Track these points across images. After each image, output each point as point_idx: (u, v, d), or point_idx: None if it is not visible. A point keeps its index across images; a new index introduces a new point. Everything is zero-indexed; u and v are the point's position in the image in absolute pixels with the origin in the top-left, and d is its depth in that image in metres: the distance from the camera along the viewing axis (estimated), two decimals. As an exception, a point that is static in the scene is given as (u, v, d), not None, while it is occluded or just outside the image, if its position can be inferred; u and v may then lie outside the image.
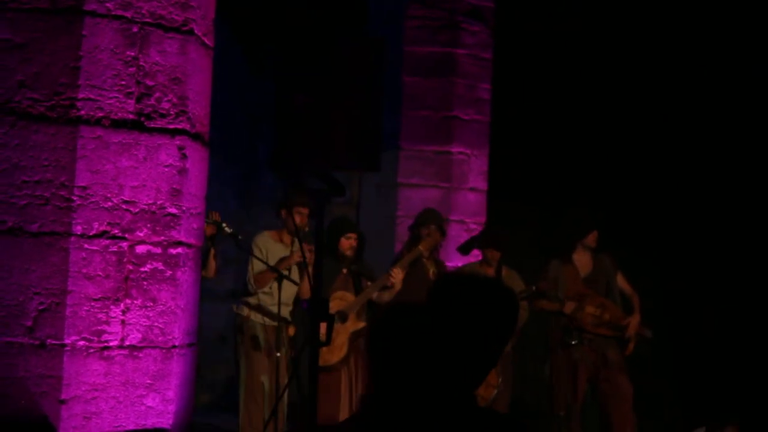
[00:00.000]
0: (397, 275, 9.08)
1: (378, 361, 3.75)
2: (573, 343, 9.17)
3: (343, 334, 8.94)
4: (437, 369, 3.72)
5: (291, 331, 9.02)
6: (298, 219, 8.95)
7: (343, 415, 8.68)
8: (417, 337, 3.68)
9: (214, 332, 10.59)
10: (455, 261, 10.51)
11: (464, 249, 9.78)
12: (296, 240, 9.00)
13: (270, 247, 8.94)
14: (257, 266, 8.92)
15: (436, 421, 3.65)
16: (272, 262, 8.84)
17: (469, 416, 3.72)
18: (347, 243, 9.13)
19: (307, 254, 8.24)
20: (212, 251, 8.91)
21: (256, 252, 8.92)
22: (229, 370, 10.36)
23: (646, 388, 9.72)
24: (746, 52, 11.49)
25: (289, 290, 8.94)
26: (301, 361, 8.44)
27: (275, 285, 8.80)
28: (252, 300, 9.00)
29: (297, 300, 9.16)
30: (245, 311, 9.02)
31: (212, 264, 8.95)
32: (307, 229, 8.95)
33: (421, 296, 9.04)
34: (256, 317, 8.98)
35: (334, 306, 8.92)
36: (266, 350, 8.94)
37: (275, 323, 8.96)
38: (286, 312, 8.99)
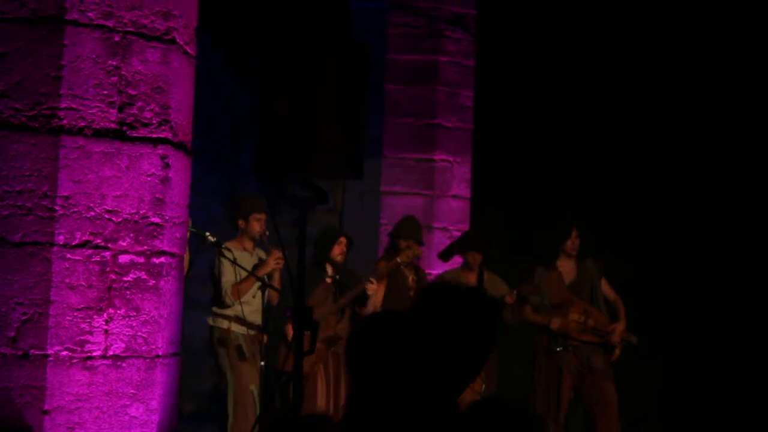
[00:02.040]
0: (372, 287, 9.08)
1: (357, 369, 3.76)
2: (558, 349, 9.18)
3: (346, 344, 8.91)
4: (416, 377, 3.73)
5: (265, 339, 9.02)
6: (257, 226, 8.97)
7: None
8: (395, 345, 3.69)
9: (198, 341, 10.56)
10: (438, 268, 10.52)
11: (445, 255, 9.81)
12: (257, 248, 9.04)
13: (237, 257, 8.92)
14: (229, 276, 8.90)
15: (416, 429, 3.65)
16: (242, 272, 8.82)
17: (450, 422, 3.72)
18: (338, 249, 9.15)
19: (280, 260, 8.31)
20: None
21: (226, 264, 8.88)
22: (213, 379, 10.35)
23: (632, 395, 9.73)
24: (725, 58, 11.55)
25: (257, 296, 8.92)
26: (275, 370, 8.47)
27: (259, 294, 8.79)
28: (229, 311, 8.97)
29: (267, 307, 9.15)
30: (225, 324, 8.98)
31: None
32: (266, 233, 8.95)
33: (401, 304, 9.13)
34: (238, 328, 8.96)
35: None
36: (250, 359, 8.93)
37: (255, 332, 8.96)
38: (256, 318, 8.97)
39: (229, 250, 8.76)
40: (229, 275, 8.91)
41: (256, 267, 8.90)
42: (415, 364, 3.73)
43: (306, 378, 8.88)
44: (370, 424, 3.68)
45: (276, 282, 9.05)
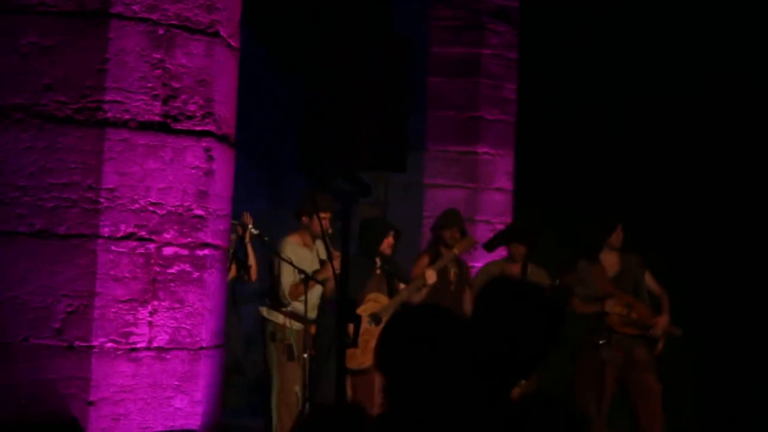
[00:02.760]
0: (432, 277, 9.11)
1: (389, 363, 3.74)
2: (601, 342, 9.13)
3: (377, 336, 8.90)
4: (457, 374, 3.71)
5: (312, 329, 9.02)
6: (323, 225, 8.94)
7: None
8: (433, 339, 3.67)
9: (242, 334, 10.59)
10: (480, 261, 10.50)
11: (489, 246, 9.78)
12: (323, 246, 9.00)
13: (298, 253, 8.93)
14: (288, 276, 8.91)
15: (453, 426, 3.64)
16: (302, 268, 8.83)
17: (499, 417, 3.70)
18: (388, 241, 9.16)
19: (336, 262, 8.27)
20: (251, 255, 8.90)
21: (285, 267, 8.91)
22: (257, 370, 10.36)
23: (675, 387, 9.67)
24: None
25: (314, 291, 8.94)
26: (329, 364, 8.45)
27: (317, 288, 8.83)
28: (300, 307, 8.98)
29: (323, 300, 9.15)
30: (281, 319, 8.99)
31: (253, 267, 8.95)
32: (330, 231, 8.91)
33: (441, 298, 9.11)
34: (293, 324, 8.96)
35: (368, 308, 8.94)
36: (298, 358, 8.93)
37: (303, 326, 8.97)
38: (313, 313, 8.99)
39: (282, 248, 8.79)
40: (287, 273, 8.92)
41: (316, 272, 8.89)
42: (458, 361, 3.71)
43: (365, 372, 8.90)
44: (408, 414, 3.66)
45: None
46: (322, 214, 8.86)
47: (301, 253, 8.96)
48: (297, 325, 8.97)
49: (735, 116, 11.62)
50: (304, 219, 9.10)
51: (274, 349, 9.02)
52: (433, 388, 3.63)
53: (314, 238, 9.12)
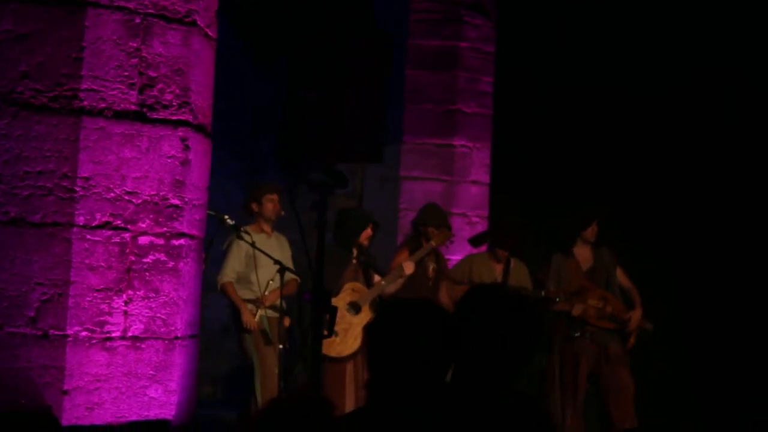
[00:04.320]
0: (409, 268, 9.13)
1: (378, 355, 3.74)
2: (576, 335, 9.14)
3: (357, 326, 8.91)
4: (435, 368, 3.71)
5: (286, 322, 9.00)
6: (270, 206, 9.00)
7: (348, 406, 8.65)
8: (420, 334, 3.68)
9: (217, 324, 10.56)
10: (457, 254, 10.50)
11: (476, 242, 9.78)
12: (276, 232, 9.06)
13: (256, 240, 8.90)
14: (233, 263, 8.94)
15: (439, 419, 3.63)
16: (261, 252, 8.82)
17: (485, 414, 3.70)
18: (367, 233, 9.17)
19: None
20: None
21: (236, 249, 8.92)
22: (232, 361, 10.33)
23: (646, 381, 9.69)
24: (751, 44, 11.47)
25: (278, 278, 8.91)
26: (307, 353, 8.45)
27: (277, 277, 8.76)
28: (251, 295, 8.97)
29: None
30: (249, 307, 8.99)
31: None
32: (282, 213, 8.98)
33: (419, 294, 9.09)
34: (266, 312, 8.96)
35: (347, 297, 8.95)
36: (274, 343, 8.93)
37: (277, 315, 8.94)
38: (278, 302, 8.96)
39: (248, 233, 8.75)
40: (233, 260, 8.94)
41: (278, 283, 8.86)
42: (438, 355, 3.72)
43: (340, 361, 8.90)
44: (388, 408, 3.66)
45: None
46: (269, 196, 8.94)
47: (258, 240, 8.94)
48: (270, 313, 8.96)
49: (715, 108, 11.64)
50: (254, 206, 9.15)
51: (249, 338, 9.00)
52: (418, 384, 3.64)
53: (271, 224, 9.14)
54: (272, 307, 8.96)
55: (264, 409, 3.55)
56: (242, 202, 9.42)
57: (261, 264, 8.90)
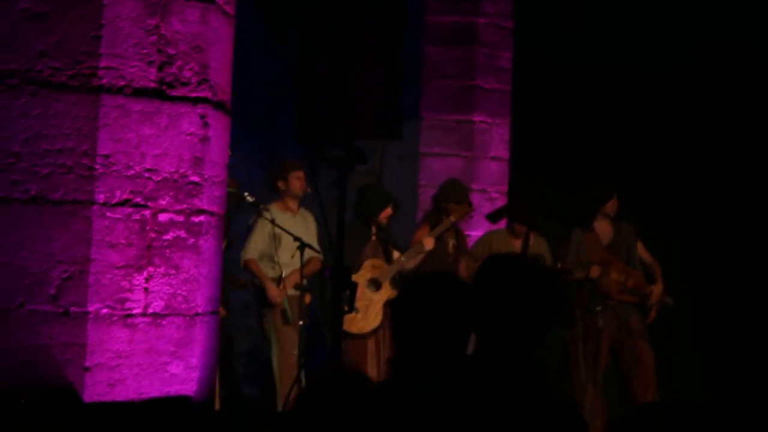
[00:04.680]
0: (429, 243, 9.13)
1: (404, 329, 3.75)
2: (597, 309, 9.12)
3: (377, 302, 8.92)
4: (460, 336, 3.72)
5: (307, 298, 9.01)
6: (297, 184, 9.00)
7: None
8: (448, 307, 3.69)
9: (239, 300, 10.57)
10: (477, 230, 10.48)
11: (494, 217, 9.75)
12: (309, 212, 9.05)
13: (279, 218, 8.90)
14: (257, 239, 8.94)
15: (460, 393, 3.64)
16: (281, 234, 8.82)
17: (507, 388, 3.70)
18: (387, 212, 9.17)
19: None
20: None
21: (261, 226, 8.90)
22: (253, 339, 10.34)
23: (667, 355, 9.67)
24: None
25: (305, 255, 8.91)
26: (328, 330, 8.48)
27: (297, 254, 8.77)
28: (272, 273, 8.97)
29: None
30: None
31: None
32: (308, 190, 8.98)
33: (442, 266, 9.09)
34: (287, 290, 8.97)
35: (367, 274, 8.95)
36: (293, 322, 8.93)
37: (297, 293, 8.94)
38: (305, 281, 8.97)
39: (267, 210, 8.75)
40: (257, 237, 8.93)
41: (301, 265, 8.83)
42: (459, 328, 3.72)
43: (362, 337, 8.92)
44: (414, 388, 3.66)
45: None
46: (296, 173, 8.94)
47: (281, 217, 8.94)
48: (291, 291, 8.96)
49: (735, 85, 11.58)
50: (280, 184, 9.14)
51: (268, 315, 9.01)
52: (440, 357, 3.64)
53: (297, 200, 9.14)
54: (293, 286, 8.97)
55: (306, 386, 3.56)
56: (263, 179, 9.43)
57: (284, 242, 8.91)
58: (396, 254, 9.18)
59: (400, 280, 9.10)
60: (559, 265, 9.05)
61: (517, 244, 9.36)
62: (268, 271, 9.00)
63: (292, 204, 9.15)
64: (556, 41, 11.88)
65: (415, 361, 3.69)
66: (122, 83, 4.65)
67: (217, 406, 8.03)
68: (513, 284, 3.84)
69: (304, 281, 8.87)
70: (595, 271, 9.08)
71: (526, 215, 9.38)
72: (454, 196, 9.51)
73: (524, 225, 9.32)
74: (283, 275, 8.90)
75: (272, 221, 8.71)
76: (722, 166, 11.54)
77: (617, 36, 11.71)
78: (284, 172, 9.09)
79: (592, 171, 10.14)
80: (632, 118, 11.77)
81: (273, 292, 8.88)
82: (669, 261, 9.64)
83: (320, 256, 9.04)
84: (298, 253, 8.72)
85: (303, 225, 9.13)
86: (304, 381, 8.23)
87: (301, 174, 9.05)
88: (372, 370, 8.89)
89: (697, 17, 11.53)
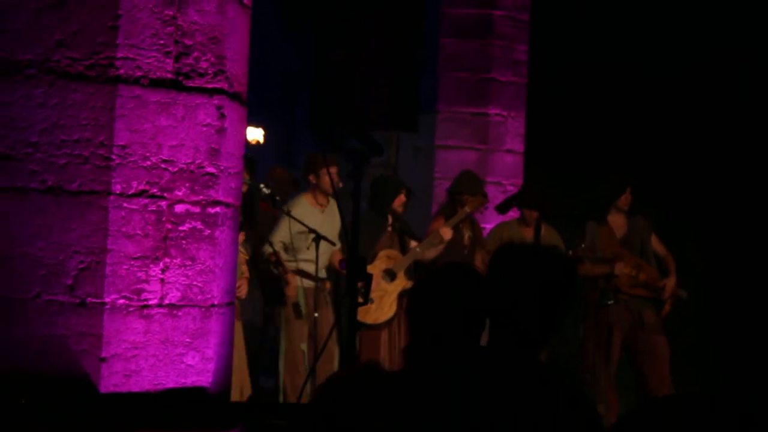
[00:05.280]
0: (448, 233, 9.14)
1: (420, 320, 3.75)
2: (609, 303, 9.10)
3: (392, 293, 8.93)
4: (475, 327, 3.71)
5: (327, 285, 9.01)
6: (327, 180, 9.00)
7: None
8: (464, 298, 3.69)
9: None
10: (492, 222, 10.47)
11: (502, 208, 9.74)
12: (332, 200, 9.01)
13: (306, 210, 8.90)
14: (282, 233, 8.92)
15: (475, 383, 3.63)
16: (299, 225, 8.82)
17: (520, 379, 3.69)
18: (400, 200, 9.18)
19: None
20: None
21: (285, 220, 8.88)
22: (268, 330, 10.34)
23: (682, 349, 9.65)
24: None
25: (323, 249, 8.91)
26: (341, 320, 8.47)
27: (313, 246, 8.77)
28: (291, 265, 8.97)
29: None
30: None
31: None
32: (340, 185, 8.95)
33: (458, 258, 9.12)
34: (303, 282, 8.97)
35: (382, 265, 8.95)
36: (306, 315, 8.94)
37: (313, 284, 8.94)
38: (322, 273, 8.98)
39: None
40: (283, 230, 8.91)
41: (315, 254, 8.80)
42: (474, 317, 3.72)
43: (376, 328, 8.93)
44: (429, 378, 3.65)
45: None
46: (327, 169, 8.91)
47: (309, 211, 8.94)
48: (307, 283, 8.96)
49: (749, 85, 11.56)
50: (311, 178, 9.13)
51: (282, 308, 9.02)
52: (454, 346, 3.64)
53: (327, 196, 9.12)
54: (308, 277, 8.97)
55: (324, 382, 3.55)
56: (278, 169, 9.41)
57: (307, 236, 8.90)
58: (412, 244, 9.19)
59: (416, 270, 9.10)
60: (570, 253, 9.03)
61: (528, 234, 9.36)
62: (303, 265, 9.00)
63: (322, 198, 9.15)
64: (571, 36, 11.88)
65: (430, 351, 3.70)
66: (139, 74, 4.63)
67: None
68: (525, 272, 3.83)
69: (321, 273, 8.88)
70: (619, 268, 9.06)
71: (534, 201, 9.38)
72: (468, 188, 9.52)
73: (534, 210, 9.31)
74: (302, 268, 8.92)
75: (288, 212, 8.70)
76: (735, 159, 11.51)
77: (631, 29, 11.71)
78: (317, 167, 9.06)
79: (606, 165, 10.13)
80: (645, 113, 11.78)
81: (290, 291, 8.87)
82: (683, 254, 9.61)
83: (338, 248, 9.03)
84: (313, 244, 8.72)
85: (331, 218, 9.12)
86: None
87: (333, 170, 8.99)
88: (385, 361, 8.89)
89: (713, 8, 11.50)
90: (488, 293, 3.77)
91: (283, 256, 8.97)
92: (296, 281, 8.89)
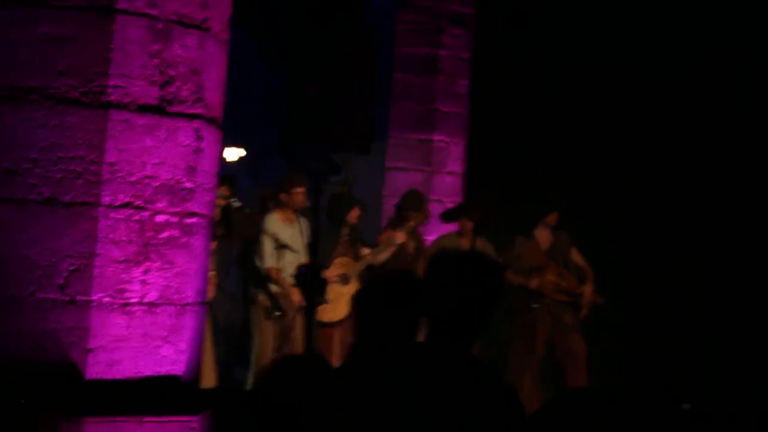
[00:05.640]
0: (401, 237, 9.21)
1: (365, 319, 3.76)
2: (534, 306, 9.16)
3: (346, 295, 8.93)
4: (413, 326, 3.73)
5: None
6: (298, 198, 8.98)
7: (336, 365, 8.66)
8: (404, 301, 3.71)
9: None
10: (433, 234, 10.52)
11: (446, 217, 9.83)
12: (299, 218, 9.02)
13: (278, 227, 8.92)
14: (270, 251, 8.92)
15: (411, 369, 3.65)
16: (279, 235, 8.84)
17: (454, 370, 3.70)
18: (354, 213, 9.22)
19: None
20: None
21: (266, 238, 8.89)
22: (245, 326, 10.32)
23: (599, 348, 9.70)
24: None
25: (290, 259, 8.91)
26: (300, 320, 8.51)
27: (283, 256, 8.80)
28: (262, 273, 8.97)
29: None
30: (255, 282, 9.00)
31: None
32: (308, 204, 8.95)
33: (404, 265, 9.11)
34: (271, 287, 8.97)
35: (337, 270, 8.97)
36: (274, 317, 8.92)
37: (281, 290, 8.94)
38: (291, 279, 8.96)
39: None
40: (268, 245, 8.91)
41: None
42: (415, 315, 3.74)
43: (330, 326, 8.93)
44: (370, 362, 3.67)
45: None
46: (298, 189, 8.91)
47: (281, 227, 8.95)
48: (276, 289, 8.95)
49: (744, 80, 11.26)
50: (283, 197, 9.11)
51: (254, 310, 9.02)
52: (396, 343, 3.66)
53: (295, 212, 9.12)
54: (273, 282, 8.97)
55: (269, 367, 3.55)
56: (248, 186, 9.40)
57: (267, 243, 8.91)
58: (364, 251, 9.24)
59: (368, 273, 9.14)
60: (500, 260, 9.08)
61: (465, 244, 9.40)
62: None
63: (291, 214, 9.13)
64: (508, 70, 11.91)
65: (374, 346, 3.71)
66: (128, 100, 4.63)
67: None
68: (457, 275, 3.84)
69: (291, 279, 8.89)
70: (534, 283, 9.12)
71: (474, 212, 9.43)
72: (414, 204, 9.57)
73: (469, 219, 9.37)
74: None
75: (255, 223, 8.73)
76: (735, 159, 11.13)
77: (630, 32, 11.45)
78: (288, 186, 9.03)
79: (538, 186, 10.17)
80: (577, 139, 11.79)
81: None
82: (602, 263, 9.68)
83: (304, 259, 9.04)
84: (283, 255, 8.77)
85: (300, 233, 9.12)
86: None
87: (302, 189, 9.00)
88: (337, 355, 8.91)
89: (705, 16, 11.20)
90: (426, 295, 3.78)
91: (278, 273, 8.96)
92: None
